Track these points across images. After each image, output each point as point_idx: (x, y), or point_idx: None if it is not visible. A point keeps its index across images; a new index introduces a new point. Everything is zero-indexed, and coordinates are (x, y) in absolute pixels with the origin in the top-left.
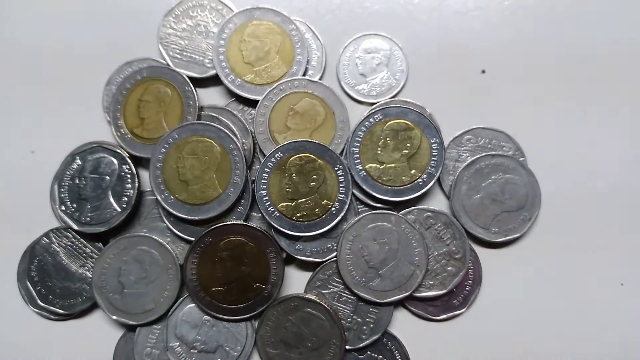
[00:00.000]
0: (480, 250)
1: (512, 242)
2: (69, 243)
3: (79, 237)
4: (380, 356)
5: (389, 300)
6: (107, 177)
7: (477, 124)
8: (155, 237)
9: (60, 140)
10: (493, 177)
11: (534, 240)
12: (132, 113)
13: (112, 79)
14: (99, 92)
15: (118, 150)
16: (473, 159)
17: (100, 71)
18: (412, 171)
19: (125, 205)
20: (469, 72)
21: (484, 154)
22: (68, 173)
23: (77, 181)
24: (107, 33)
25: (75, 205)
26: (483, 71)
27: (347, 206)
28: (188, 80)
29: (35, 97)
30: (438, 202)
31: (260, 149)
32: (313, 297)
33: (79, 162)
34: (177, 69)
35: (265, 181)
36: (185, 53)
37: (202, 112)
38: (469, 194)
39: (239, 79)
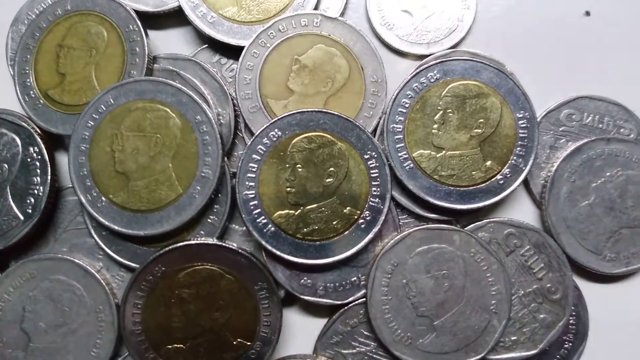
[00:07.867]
0: (587, 287)
1: (635, 273)
2: None
3: None
4: None
5: None
6: (5, 166)
7: (581, 92)
8: (78, 261)
9: None
10: (608, 173)
11: None
12: (48, 66)
13: (21, 15)
14: (2, 35)
15: (23, 124)
16: (577, 145)
17: (5, 4)
18: (488, 162)
19: (31, 210)
20: (567, 13)
21: (593, 137)
22: None
23: None
24: None
25: None
26: (587, 13)
27: (382, 217)
28: (134, 16)
29: None
30: (525, 212)
31: (246, 124)
32: None
33: None
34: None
35: (254, 176)
36: None
37: (155, 65)
38: (571, 199)
39: (213, 14)
